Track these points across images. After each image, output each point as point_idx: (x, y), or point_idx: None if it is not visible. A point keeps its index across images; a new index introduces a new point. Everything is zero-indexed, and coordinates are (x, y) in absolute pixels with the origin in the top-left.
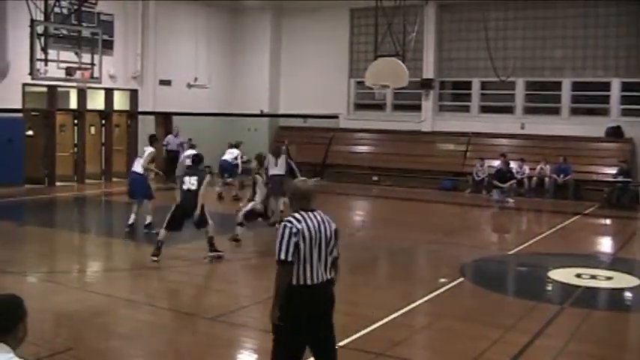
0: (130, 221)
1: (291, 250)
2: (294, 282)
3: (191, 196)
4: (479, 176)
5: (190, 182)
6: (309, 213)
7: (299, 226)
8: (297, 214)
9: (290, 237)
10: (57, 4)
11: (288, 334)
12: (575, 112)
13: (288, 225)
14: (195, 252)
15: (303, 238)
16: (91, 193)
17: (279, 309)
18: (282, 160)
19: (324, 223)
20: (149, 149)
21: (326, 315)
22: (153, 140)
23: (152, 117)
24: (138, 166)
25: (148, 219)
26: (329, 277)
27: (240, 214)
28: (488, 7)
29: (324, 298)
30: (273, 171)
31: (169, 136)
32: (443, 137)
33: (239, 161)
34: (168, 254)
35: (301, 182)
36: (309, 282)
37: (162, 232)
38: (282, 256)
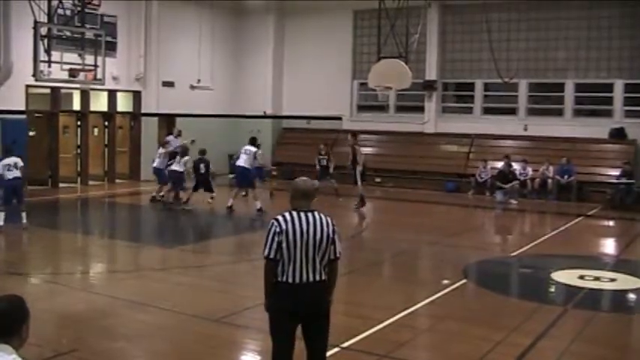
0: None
1: (274, 247)
2: (279, 278)
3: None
4: (482, 178)
5: None
6: (302, 213)
7: (283, 227)
8: (286, 214)
9: (274, 236)
10: (60, 5)
11: (277, 321)
12: (578, 113)
13: (275, 224)
14: (198, 253)
15: (287, 238)
16: (95, 195)
17: (269, 300)
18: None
19: (317, 225)
20: (254, 149)
21: (313, 316)
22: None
23: (155, 118)
24: (243, 162)
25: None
26: (318, 278)
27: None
28: (491, 8)
29: (309, 299)
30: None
31: (170, 137)
32: (446, 139)
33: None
34: (171, 256)
35: (302, 181)
36: (290, 280)
37: None
38: (265, 253)
